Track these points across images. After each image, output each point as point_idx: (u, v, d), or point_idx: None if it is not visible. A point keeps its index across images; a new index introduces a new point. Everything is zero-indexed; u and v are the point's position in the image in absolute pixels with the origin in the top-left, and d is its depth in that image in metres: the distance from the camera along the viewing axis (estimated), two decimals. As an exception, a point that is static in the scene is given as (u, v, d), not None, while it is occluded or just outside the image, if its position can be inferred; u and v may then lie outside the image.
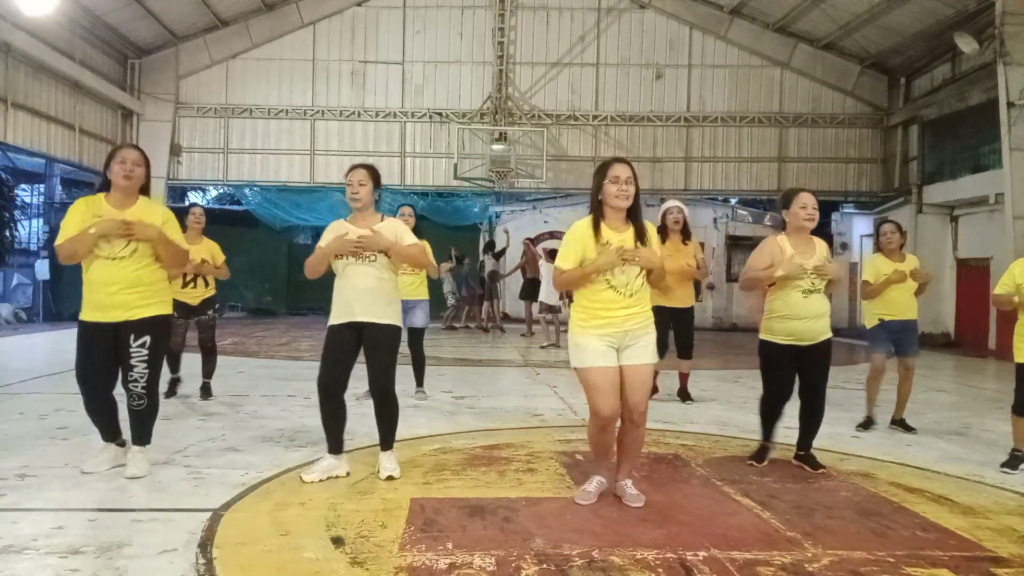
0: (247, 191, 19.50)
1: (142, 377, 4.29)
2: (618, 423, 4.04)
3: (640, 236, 3.95)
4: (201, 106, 18.44)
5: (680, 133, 18.62)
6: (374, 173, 4.57)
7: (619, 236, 3.94)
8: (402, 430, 5.77)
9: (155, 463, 4.69)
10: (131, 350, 4.26)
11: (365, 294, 4.36)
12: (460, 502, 4.01)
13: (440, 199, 19.97)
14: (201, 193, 24.76)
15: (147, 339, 4.29)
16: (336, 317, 4.42)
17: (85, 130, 16.02)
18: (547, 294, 13.11)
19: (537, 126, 18.06)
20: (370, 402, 7.00)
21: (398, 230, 4.49)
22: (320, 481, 4.30)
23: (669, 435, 5.93)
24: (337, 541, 3.40)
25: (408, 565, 3.14)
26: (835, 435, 6.04)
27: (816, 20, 17.04)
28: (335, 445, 4.44)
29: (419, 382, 7.40)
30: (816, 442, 5.67)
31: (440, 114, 18.54)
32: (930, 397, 8.39)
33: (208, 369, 7.16)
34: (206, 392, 7.09)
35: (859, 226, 20.10)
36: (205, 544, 3.32)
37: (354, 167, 4.58)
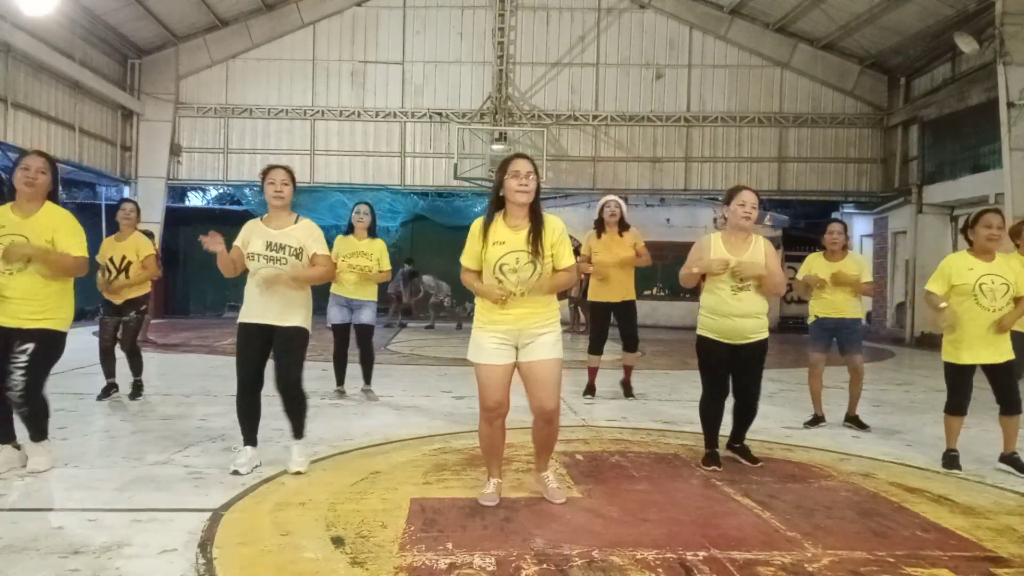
0: (247, 191, 19.51)
1: (16, 385, 4.21)
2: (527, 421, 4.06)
3: (535, 233, 3.87)
4: (201, 106, 18.43)
5: (680, 133, 18.61)
6: (292, 174, 4.67)
7: (516, 234, 3.88)
8: (401, 430, 5.81)
9: (155, 463, 4.70)
10: (12, 355, 4.20)
11: (274, 297, 4.44)
12: (460, 502, 4.01)
13: (440, 199, 19.98)
14: (201, 193, 24.77)
15: (30, 347, 4.21)
16: (245, 315, 4.53)
17: (85, 130, 16.02)
18: None
19: (537, 126, 18.05)
20: (366, 402, 7.06)
21: (312, 235, 4.57)
22: (250, 472, 4.46)
23: (669, 435, 5.93)
24: (337, 541, 3.40)
25: (408, 565, 3.14)
26: (835, 435, 6.05)
27: (816, 20, 17.04)
28: (251, 438, 4.62)
29: (366, 379, 7.31)
30: (817, 442, 5.70)
31: (440, 114, 18.53)
32: (930, 397, 8.38)
33: (135, 368, 6.90)
34: (137, 391, 6.85)
35: (859, 226, 20.12)
36: (205, 544, 3.32)
37: (273, 167, 4.65)
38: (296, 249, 4.49)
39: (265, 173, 4.61)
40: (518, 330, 3.90)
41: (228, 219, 19.93)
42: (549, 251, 3.90)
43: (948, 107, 15.76)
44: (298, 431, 4.63)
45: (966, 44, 13.78)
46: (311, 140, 18.59)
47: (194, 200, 24.53)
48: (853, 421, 6.44)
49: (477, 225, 3.98)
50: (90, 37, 15.84)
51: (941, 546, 3.52)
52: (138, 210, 7.14)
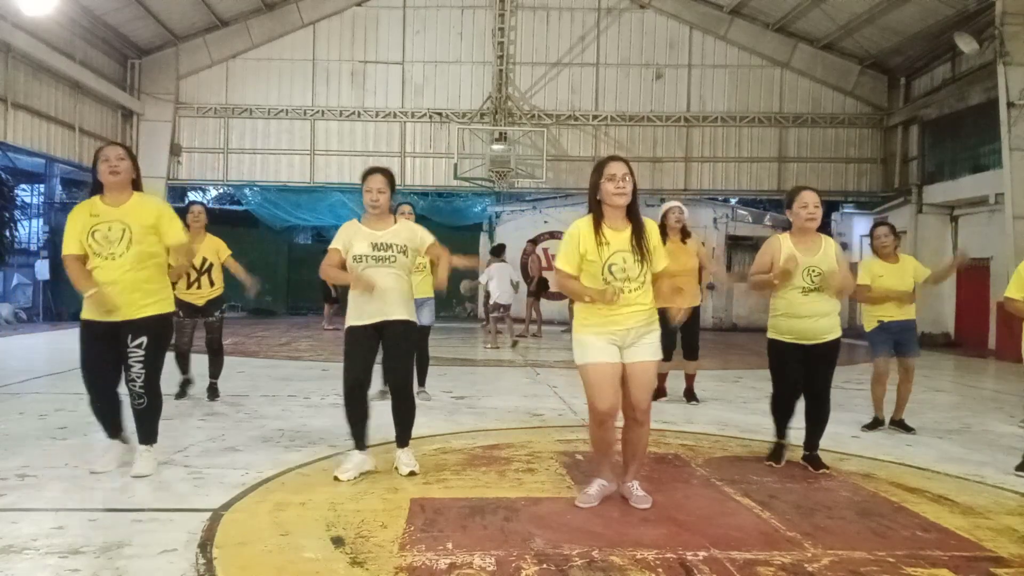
0: (247, 191, 19.51)
1: (139, 377, 4.30)
2: (620, 421, 4.05)
3: (638, 234, 3.93)
4: (201, 106, 18.44)
5: (680, 133, 18.62)
6: (391, 179, 4.65)
7: (618, 235, 3.93)
8: (402, 430, 5.79)
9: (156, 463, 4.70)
10: (128, 350, 4.27)
11: (385, 294, 4.45)
12: (460, 502, 4.01)
13: (440, 199, 19.99)
14: (201, 193, 24.76)
15: (144, 339, 4.28)
16: (356, 318, 4.49)
17: (85, 130, 16.02)
18: (500, 293, 12.91)
19: (537, 126, 18.06)
20: (379, 402, 7.04)
21: (416, 232, 4.66)
22: (353, 479, 4.37)
23: (669, 435, 5.93)
24: (337, 541, 3.40)
25: (408, 565, 3.14)
26: (835, 435, 6.03)
27: (816, 20, 17.04)
28: (362, 442, 4.53)
29: (421, 381, 7.32)
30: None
31: (440, 114, 18.54)
32: (930, 397, 8.39)
33: (215, 370, 7.12)
34: (213, 392, 7.04)
35: (859, 226, 20.07)
36: (205, 544, 3.32)
37: (373, 172, 4.61)
38: (402, 247, 4.52)
39: (363, 178, 4.60)
40: (627, 329, 3.91)
41: (228, 219, 19.93)
42: (652, 252, 3.95)
43: (948, 107, 15.75)
44: (404, 439, 4.62)
45: (966, 44, 13.78)
46: (311, 140, 18.59)
47: (194, 199, 24.53)
48: (900, 424, 6.34)
49: (577, 229, 3.98)
50: (90, 37, 15.84)
51: (941, 546, 3.51)
52: (207, 210, 7.17)
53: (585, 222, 4.00)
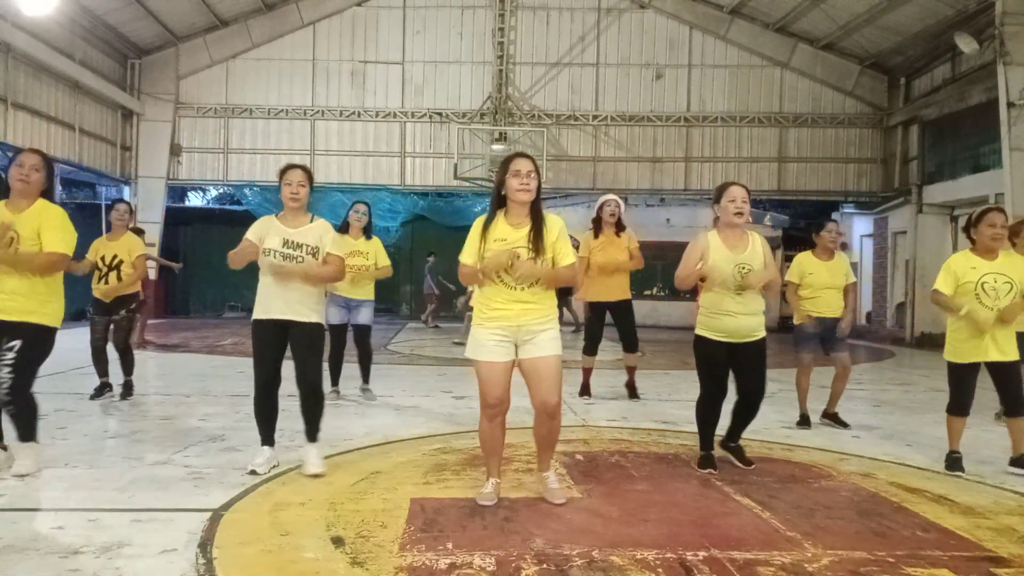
0: (247, 191, 19.51)
1: (3, 383, 4.16)
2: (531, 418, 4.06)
3: (536, 231, 3.89)
4: (201, 106, 18.44)
5: (680, 133, 18.61)
6: (310, 175, 4.68)
7: (517, 232, 3.90)
8: (401, 430, 5.81)
9: (155, 463, 4.70)
10: (2, 350, 4.17)
11: (289, 293, 4.46)
12: (460, 502, 4.01)
13: (440, 199, 20.00)
14: (201, 193, 24.80)
15: (18, 343, 4.16)
16: (260, 312, 4.53)
17: (85, 130, 16.01)
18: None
19: (537, 126, 18.05)
20: (365, 402, 7.06)
21: (326, 235, 4.59)
22: (267, 473, 4.48)
23: (669, 435, 5.94)
24: (337, 541, 3.40)
25: (408, 565, 3.14)
26: (835, 435, 6.05)
27: (816, 20, 17.05)
28: (269, 438, 4.66)
29: (364, 379, 7.30)
30: (817, 442, 5.69)
31: (440, 114, 18.54)
32: (930, 397, 8.38)
33: (125, 368, 6.86)
34: (127, 390, 6.81)
35: (859, 226, 20.12)
36: (205, 544, 3.32)
37: (291, 167, 4.65)
38: (312, 248, 4.50)
39: (282, 173, 4.61)
40: (517, 326, 3.91)
41: (228, 219, 19.96)
42: (550, 250, 3.92)
43: (948, 107, 15.75)
44: (313, 433, 4.62)
45: (966, 44, 13.78)
46: (311, 140, 18.59)
47: (194, 200, 24.57)
48: (832, 418, 6.41)
49: (479, 223, 4.00)
50: (90, 37, 15.84)
51: (941, 546, 3.51)
52: (131, 211, 7.13)
53: (483, 219, 4.02)
